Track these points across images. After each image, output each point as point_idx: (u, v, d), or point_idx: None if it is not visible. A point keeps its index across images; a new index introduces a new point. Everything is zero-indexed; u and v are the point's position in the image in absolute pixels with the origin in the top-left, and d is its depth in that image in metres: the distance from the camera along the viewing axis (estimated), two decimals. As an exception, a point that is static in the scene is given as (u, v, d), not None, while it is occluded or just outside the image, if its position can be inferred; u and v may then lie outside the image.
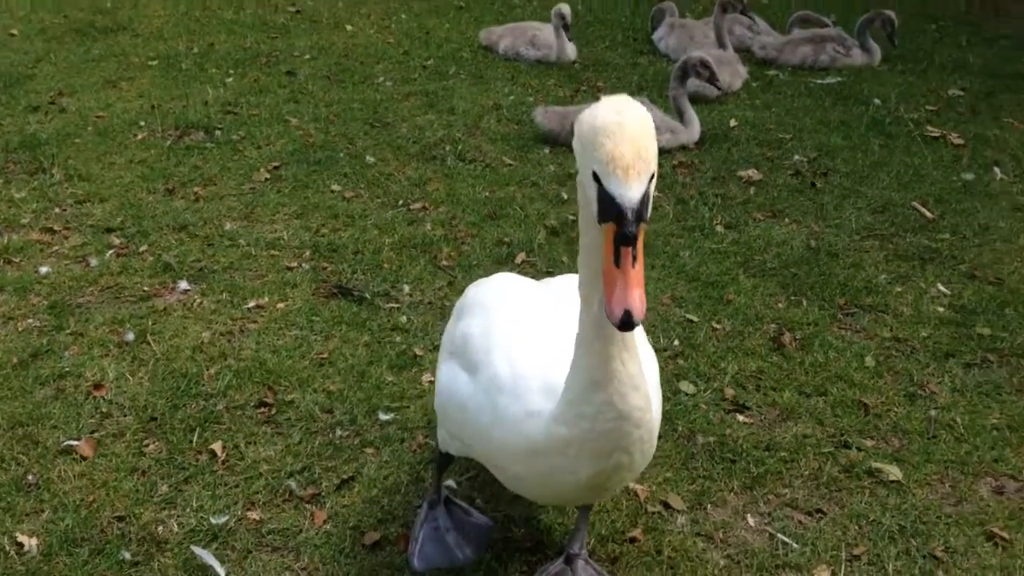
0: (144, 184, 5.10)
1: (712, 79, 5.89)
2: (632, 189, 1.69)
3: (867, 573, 2.69)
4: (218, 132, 5.87)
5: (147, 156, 5.48)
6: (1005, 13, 9.99)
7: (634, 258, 1.70)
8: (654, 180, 1.75)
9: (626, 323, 1.70)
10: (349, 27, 8.75)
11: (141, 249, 4.41)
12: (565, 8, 7.29)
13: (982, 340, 3.82)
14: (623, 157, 1.69)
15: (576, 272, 2.13)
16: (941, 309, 4.05)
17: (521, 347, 2.25)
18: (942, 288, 4.21)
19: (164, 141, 5.72)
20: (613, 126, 1.70)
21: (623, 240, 1.69)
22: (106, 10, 9.13)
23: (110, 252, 4.37)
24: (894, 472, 3.08)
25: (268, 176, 5.25)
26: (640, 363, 2.03)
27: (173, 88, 6.72)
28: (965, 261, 4.45)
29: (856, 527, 2.85)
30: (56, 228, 4.58)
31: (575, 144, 1.84)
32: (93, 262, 4.27)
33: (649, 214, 1.73)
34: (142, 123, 5.97)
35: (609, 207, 1.71)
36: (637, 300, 1.69)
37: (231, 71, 7.17)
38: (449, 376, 2.43)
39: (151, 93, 6.58)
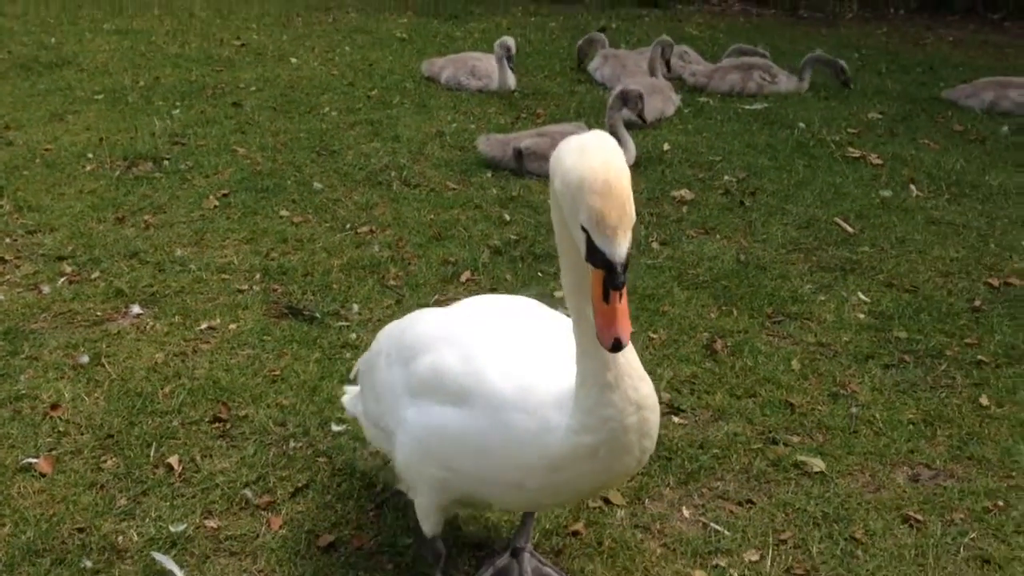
0: (94, 214, 5.18)
1: (640, 114, 6.14)
2: (621, 247, 1.82)
3: (793, 556, 2.88)
4: (166, 162, 5.97)
5: (96, 187, 5.56)
6: (921, 43, 10.53)
7: (620, 296, 1.86)
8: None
9: (616, 347, 1.89)
10: (294, 60, 8.91)
11: (93, 276, 4.49)
12: (510, 40, 7.56)
13: (899, 343, 4.08)
14: (611, 217, 1.80)
15: (501, 292, 2.26)
16: (861, 315, 4.31)
17: (515, 363, 2.27)
18: (862, 296, 4.48)
19: (113, 172, 5.80)
20: (601, 185, 1.80)
21: (613, 287, 1.84)
22: (50, 45, 9.17)
23: (62, 279, 4.44)
24: (818, 464, 3.28)
25: (217, 203, 5.37)
26: (637, 357, 2.14)
27: (120, 121, 6.80)
28: (883, 271, 4.73)
29: (783, 515, 3.05)
30: (7, 257, 4.64)
31: (555, 181, 1.93)
32: (45, 289, 4.34)
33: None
34: (90, 155, 6.05)
35: (598, 258, 1.84)
36: (625, 330, 1.87)
37: (178, 103, 7.28)
38: (426, 416, 2.37)
39: (98, 126, 6.66)
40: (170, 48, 9.24)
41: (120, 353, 3.86)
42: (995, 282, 4.61)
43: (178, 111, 7.08)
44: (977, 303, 4.39)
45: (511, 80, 7.76)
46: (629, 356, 2.09)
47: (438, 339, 2.44)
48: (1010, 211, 5.49)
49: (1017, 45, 10.48)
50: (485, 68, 7.76)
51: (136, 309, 4.20)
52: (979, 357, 3.95)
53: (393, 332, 2.70)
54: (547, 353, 2.26)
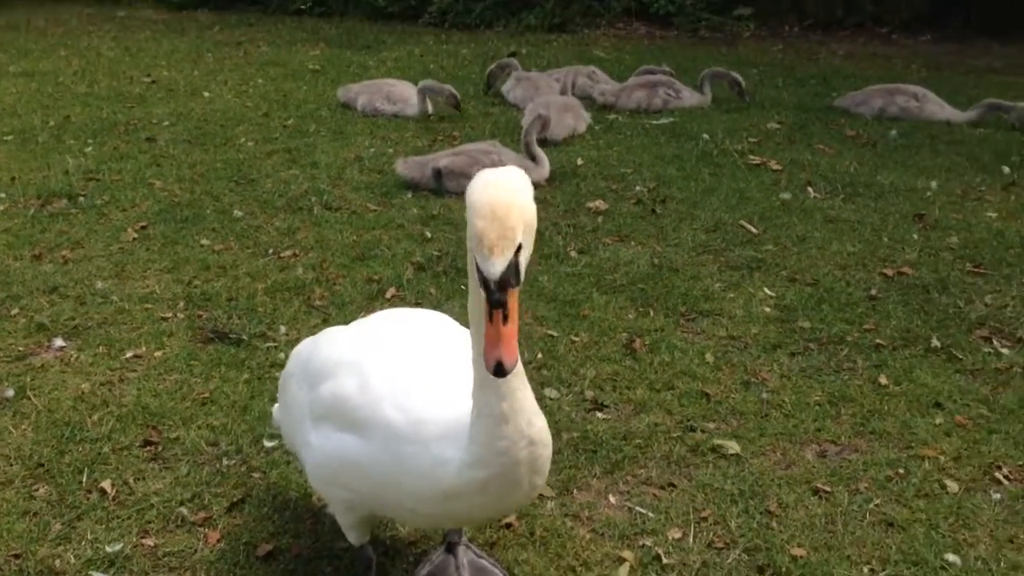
0: (10, 252, 5.13)
1: (543, 141, 6.32)
2: (495, 265, 1.88)
3: (713, 531, 3.04)
4: (82, 198, 5.93)
5: (11, 225, 5.50)
6: (815, 57, 11.05)
7: (505, 317, 1.90)
8: (525, 249, 1.93)
9: (498, 372, 1.93)
10: (207, 94, 8.92)
11: (13, 312, 4.45)
12: (429, 82, 7.85)
13: (803, 332, 4.32)
14: (487, 236, 1.88)
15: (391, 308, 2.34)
16: (768, 309, 4.55)
17: (408, 393, 2.31)
18: (768, 291, 4.73)
19: (27, 210, 5.74)
20: (482, 206, 1.89)
21: (492, 304, 1.92)
22: (-46, 89, 9.00)
23: (-21, 318, 4.41)
24: (733, 447, 3.47)
25: (136, 236, 5.37)
26: (532, 393, 2.18)
27: (32, 160, 6.72)
28: (786, 268, 5.00)
29: (703, 495, 3.22)
30: (-78, 298, 4.58)
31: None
32: (-36, 328, 4.30)
33: (522, 280, 1.93)
34: (3, 194, 5.98)
35: (479, 277, 1.93)
36: (506, 354, 1.91)
37: (90, 141, 7.22)
38: (327, 441, 2.44)
39: (9, 166, 6.57)
40: (79, 87, 9.15)
41: (45, 385, 3.85)
42: (889, 272, 4.91)
43: (91, 148, 7.04)
44: (873, 292, 4.68)
45: (428, 106, 7.94)
46: (524, 391, 2.14)
47: (340, 365, 2.49)
48: (900, 207, 5.84)
49: (903, 56, 11.09)
50: (400, 93, 7.91)
51: (59, 342, 4.19)
52: (877, 341, 4.21)
53: (302, 353, 2.76)
54: (446, 380, 2.29)
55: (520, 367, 2.10)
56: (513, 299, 1.92)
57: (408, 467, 2.25)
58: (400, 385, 2.34)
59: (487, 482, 2.18)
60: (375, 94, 7.99)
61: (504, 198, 1.90)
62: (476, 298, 2.06)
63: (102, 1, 15.29)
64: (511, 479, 2.18)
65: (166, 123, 7.78)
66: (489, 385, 2.10)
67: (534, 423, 2.16)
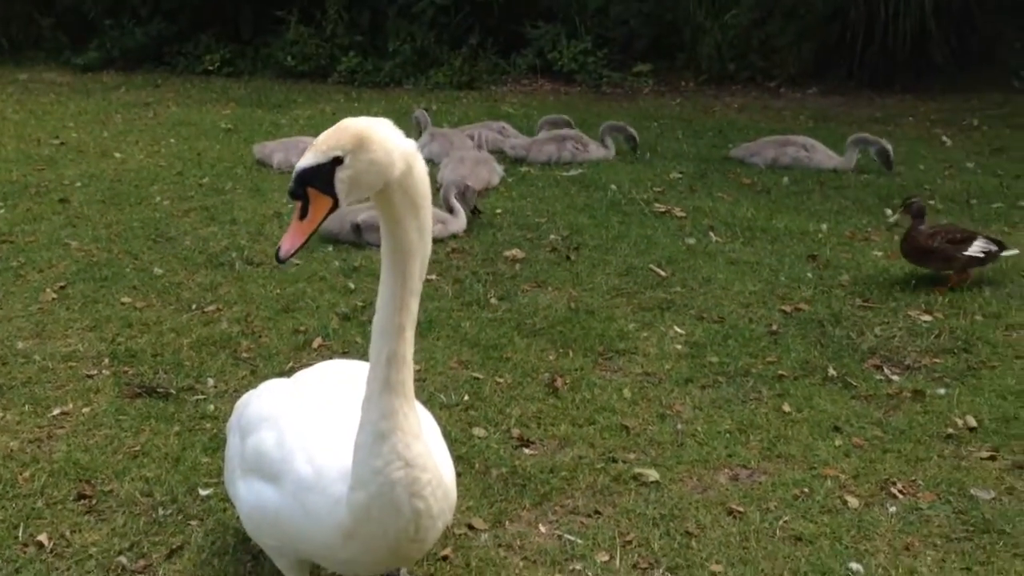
0: (-77, 314, 5.06)
1: (474, 210, 6.54)
2: (303, 158, 2.06)
3: (638, 552, 3.24)
4: (-4, 261, 5.88)
5: (-77, 288, 5.41)
6: (710, 111, 11.64)
7: (302, 214, 2.06)
8: (343, 165, 2.04)
9: (277, 256, 2.09)
10: (118, 154, 8.86)
11: (-70, 374, 4.41)
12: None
13: (712, 366, 4.60)
14: (316, 140, 2.08)
15: (353, 355, 2.47)
16: (679, 346, 4.82)
17: (316, 445, 2.45)
18: (678, 329, 5.01)
19: (-61, 274, 5.66)
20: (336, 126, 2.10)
21: (289, 193, 2.09)
22: None
23: None
24: (653, 475, 3.68)
25: (55, 296, 5.34)
26: (419, 419, 2.32)
27: (-60, 223, 6.61)
28: (694, 307, 5.29)
29: (627, 520, 3.41)
30: None
31: None
32: None
33: (340, 200, 2.07)
34: (-88, 258, 5.87)
35: None
36: (286, 241, 2.07)
37: (0, 204, 7.13)
38: (251, 492, 2.57)
39: (-84, 229, 6.45)
40: (-16, 149, 9.01)
41: (-29, 445, 3.83)
42: (787, 309, 5.25)
43: (2, 211, 6.94)
44: (774, 327, 5.00)
45: None
46: (407, 415, 2.26)
47: (263, 420, 2.65)
48: (795, 249, 6.24)
49: (792, 108, 11.77)
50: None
51: (-18, 402, 4.17)
52: (779, 372, 4.52)
53: (239, 405, 2.93)
54: (352, 428, 2.34)
55: (410, 394, 2.28)
56: (317, 207, 2.06)
57: (312, 513, 2.37)
58: (311, 439, 2.48)
59: (369, 506, 2.26)
60: (291, 150, 8.11)
61: (349, 123, 2.08)
62: (380, 299, 2.24)
63: (3, 64, 14.98)
64: (390, 501, 2.25)
65: (78, 184, 7.73)
66: (374, 402, 2.25)
67: (411, 446, 2.26)
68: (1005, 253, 5.46)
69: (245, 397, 2.96)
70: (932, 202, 7.29)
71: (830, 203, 7.28)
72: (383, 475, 2.24)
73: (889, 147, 8.08)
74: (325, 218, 2.09)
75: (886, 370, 4.54)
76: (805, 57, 12.97)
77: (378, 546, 2.36)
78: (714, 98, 12.50)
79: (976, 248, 5.36)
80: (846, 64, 12.57)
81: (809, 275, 5.73)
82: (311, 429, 2.52)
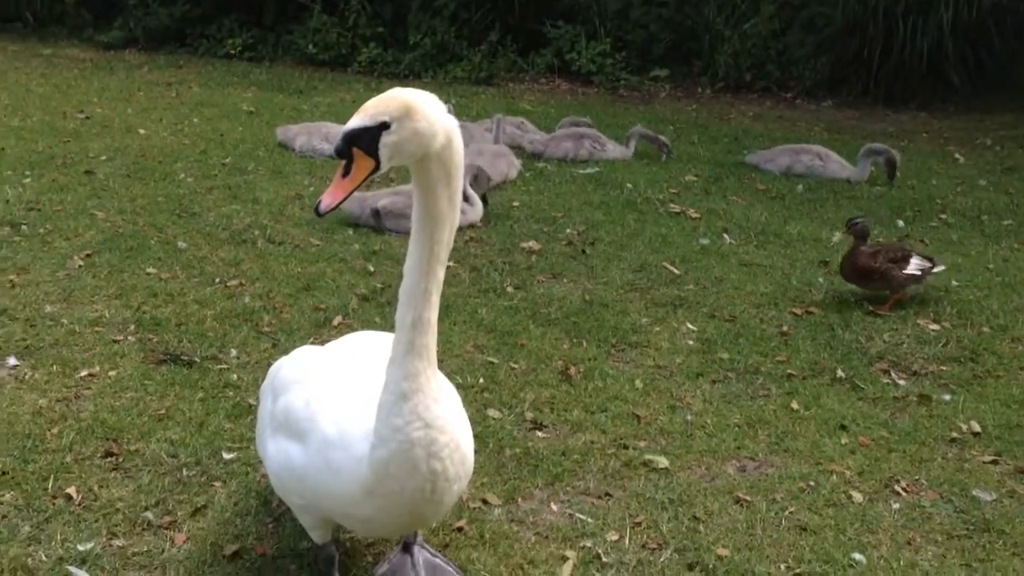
0: (-46, 275, 5.17)
1: (484, 196, 6.61)
2: (354, 121, 2.16)
3: (647, 534, 3.33)
4: (24, 227, 5.97)
5: (-47, 250, 5.53)
6: (726, 117, 11.74)
7: (345, 172, 2.17)
8: (389, 131, 2.14)
9: (316, 208, 2.20)
10: (142, 131, 8.99)
11: (-38, 333, 4.52)
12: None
13: (723, 363, 4.70)
14: (365, 105, 2.18)
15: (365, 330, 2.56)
16: (691, 342, 4.92)
17: (342, 406, 2.55)
18: (690, 326, 5.11)
19: (-31, 236, 5.78)
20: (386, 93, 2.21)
21: (335, 151, 2.20)
22: None
23: (-72, 336, 4.45)
24: (662, 462, 3.78)
25: (82, 263, 5.45)
26: (440, 383, 2.43)
27: (-32, 190, 6.73)
28: (706, 305, 5.39)
29: (636, 503, 3.51)
30: None
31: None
32: (-87, 347, 4.34)
33: (381, 163, 2.16)
34: (-57, 220, 6.00)
35: None
36: (327, 196, 2.18)
37: (27, 173, 7.24)
38: (279, 450, 2.67)
39: (-54, 194, 6.57)
40: (11, 121, 9.10)
41: (2, 401, 3.93)
42: (798, 311, 5.35)
43: (29, 180, 7.06)
44: (785, 328, 5.10)
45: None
46: (428, 379, 2.36)
47: (294, 382, 2.76)
48: (807, 254, 6.34)
49: (807, 119, 11.86)
50: (338, 134, 8.14)
51: (12, 360, 4.27)
52: (788, 371, 4.62)
53: (273, 369, 3.04)
54: (376, 392, 2.43)
55: (433, 359, 2.39)
56: (360, 167, 2.16)
57: (335, 470, 2.47)
58: (338, 400, 2.58)
59: (388, 462, 2.35)
60: (314, 135, 8.22)
61: (399, 92, 2.20)
62: (408, 264, 2.34)
63: (27, 38, 15.12)
64: (409, 459, 2.35)
65: (103, 158, 7.84)
66: (397, 363, 2.36)
67: (431, 408, 2.35)
68: (936, 270, 5.44)
69: (278, 362, 3.06)
70: (944, 216, 7.40)
71: (843, 211, 7.37)
72: (403, 433, 2.34)
73: (897, 156, 8.19)
74: (366, 179, 2.20)
75: (893, 374, 4.64)
76: (821, 70, 13.08)
77: (396, 504, 2.44)
78: (730, 105, 12.60)
79: (913, 266, 5.33)
80: (862, 79, 12.68)
81: (820, 280, 5.83)
82: (338, 391, 2.62)
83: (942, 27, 11.93)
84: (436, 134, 2.19)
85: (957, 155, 9.86)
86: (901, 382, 4.56)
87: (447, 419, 2.41)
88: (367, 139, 2.15)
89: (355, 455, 2.44)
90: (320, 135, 8.17)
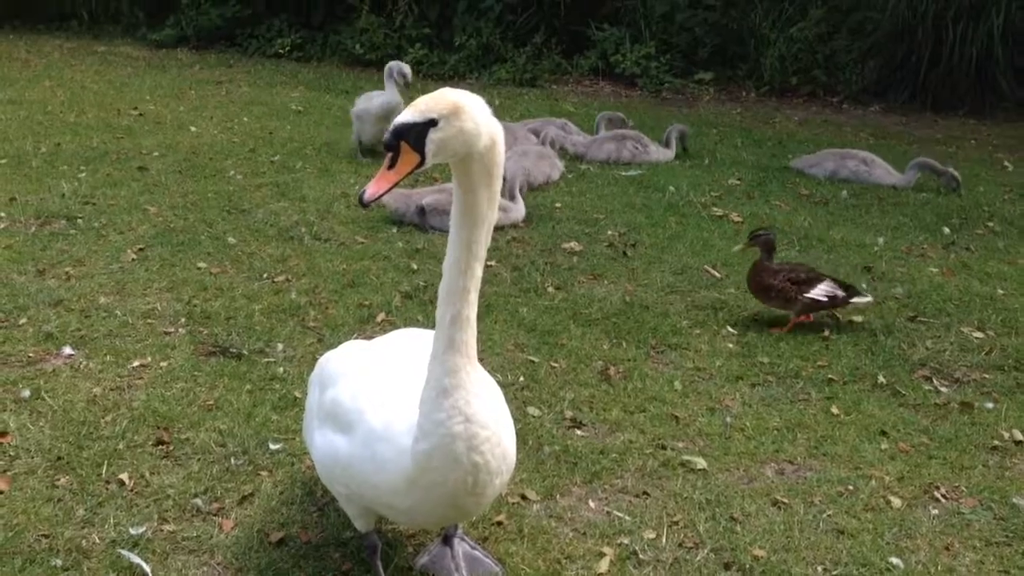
0: (13, 266, 5.35)
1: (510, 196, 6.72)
2: (404, 116, 2.22)
3: (683, 533, 3.37)
4: (80, 220, 6.16)
5: (12, 242, 5.71)
6: (771, 121, 11.68)
7: (391, 164, 2.23)
8: (436, 128, 2.21)
9: (360, 199, 2.27)
10: (193, 128, 9.19)
11: (21, 322, 4.67)
12: (406, 68, 8.30)
13: (763, 366, 4.71)
14: (416, 102, 2.26)
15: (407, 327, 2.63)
16: (731, 345, 4.93)
17: (388, 400, 2.61)
18: (731, 329, 5.12)
19: (27, 229, 5.97)
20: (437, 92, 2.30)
21: (384, 144, 2.26)
22: (-57, 114, 9.19)
23: (-11, 325, 4.62)
24: (700, 463, 3.81)
25: (135, 257, 5.61)
26: (482, 379, 2.50)
27: (27, 183, 6.94)
28: (747, 309, 5.39)
29: (674, 502, 3.55)
30: (-69, 305, 4.78)
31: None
32: (-26, 334, 4.51)
33: (426, 158, 2.23)
34: (2, 214, 6.20)
35: None
36: (371, 186, 2.24)
37: (82, 168, 7.45)
38: (326, 441, 2.74)
39: (6, 188, 6.78)
40: (67, 117, 9.37)
41: (58, 388, 4.07)
42: (840, 317, 5.33)
43: (84, 174, 7.27)
44: (826, 333, 5.09)
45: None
46: (472, 374, 2.42)
47: (341, 375, 2.83)
48: (850, 259, 6.31)
49: (853, 124, 11.75)
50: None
51: (68, 350, 4.42)
52: (829, 376, 4.61)
53: (321, 362, 3.13)
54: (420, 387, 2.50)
55: (473, 354, 2.45)
56: (406, 160, 2.23)
57: (380, 461, 2.54)
58: (383, 395, 2.64)
59: (431, 456, 2.41)
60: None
61: (448, 92, 2.28)
62: (448, 262, 2.41)
63: (81, 36, 15.52)
64: (450, 453, 2.40)
65: (156, 154, 8.04)
66: (439, 359, 2.42)
67: (472, 403, 2.41)
68: (856, 300, 5.12)
69: (326, 355, 3.14)
70: (991, 224, 7.31)
71: (888, 218, 7.32)
72: (445, 427, 2.40)
73: (958, 176, 8.09)
74: (410, 173, 2.27)
75: (935, 381, 4.61)
76: (869, 75, 12.95)
77: (438, 496, 2.50)
78: (775, 110, 12.53)
79: (819, 291, 5.07)
80: (910, 84, 12.53)
81: (863, 286, 5.79)
82: (384, 385, 2.69)
83: (992, 33, 11.76)
84: (481, 135, 2.26)
85: (1006, 163, 9.72)
86: (943, 389, 4.54)
87: (488, 414, 2.46)
88: (415, 134, 2.22)
89: (399, 448, 2.50)
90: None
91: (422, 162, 2.25)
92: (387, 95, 8.20)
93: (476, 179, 2.32)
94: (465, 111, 2.24)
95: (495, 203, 2.40)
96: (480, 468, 2.46)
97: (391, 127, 2.25)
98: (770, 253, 5.23)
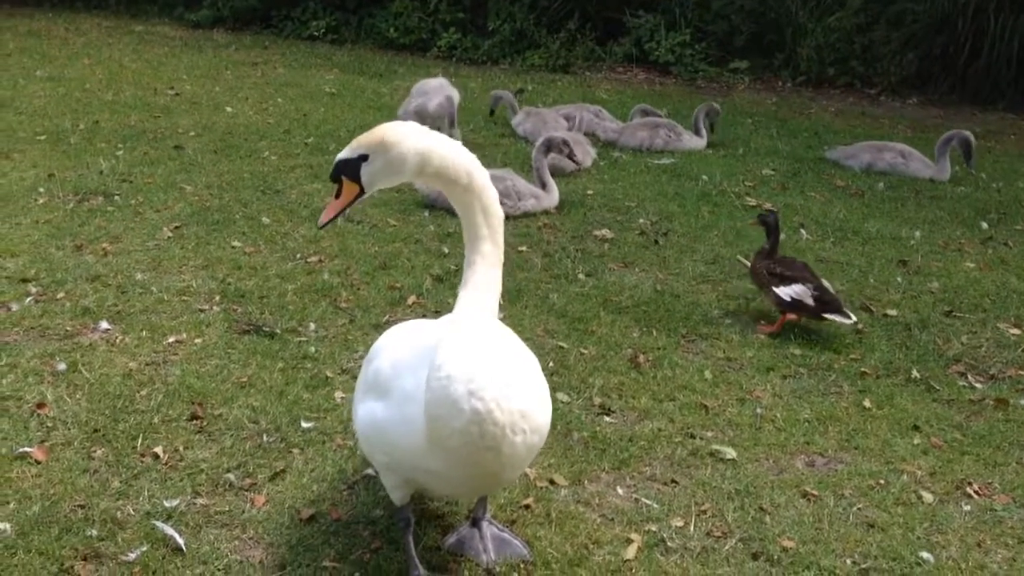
0: (52, 241, 5.43)
1: (571, 155, 6.76)
2: (342, 153, 2.55)
3: (712, 522, 3.36)
4: (117, 197, 6.24)
5: (52, 217, 5.80)
6: (806, 112, 11.55)
7: (337, 195, 2.59)
8: (367, 162, 2.51)
9: (318, 222, 2.69)
10: (229, 109, 9.26)
11: (59, 296, 4.74)
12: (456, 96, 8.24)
13: (795, 358, 4.68)
14: (354, 139, 2.55)
15: (445, 315, 2.72)
16: (762, 336, 4.89)
17: (421, 365, 2.63)
18: (762, 320, 5.09)
19: (66, 205, 6.06)
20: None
21: (330, 178, 2.60)
22: (-16, 89, 9.33)
23: (29, 299, 4.68)
24: (730, 453, 3.80)
25: (171, 234, 5.68)
26: (494, 333, 2.59)
27: (65, 160, 7.04)
28: (780, 299, 5.37)
29: (702, 491, 3.54)
30: (-28, 279, 4.86)
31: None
32: (14, 307, 4.58)
33: (364, 187, 2.55)
34: (41, 189, 6.29)
35: None
36: (323, 216, 2.63)
37: (120, 145, 7.54)
38: (366, 410, 2.82)
39: (45, 163, 6.88)
40: (105, 95, 9.48)
41: (95, 362, 4.13)
42: (874, 310, 5.28)
43: (122, 152, 7.36)
44: (860, 326, 5.03)
45: (456, 135, 8.32)
46: (475, 330, 2.55)
47: (385, 348, 2.93)
48: (886, 253, 6.24)
49: (890, 116, 11.60)
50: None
51: (104, 325, 4.48)
52: (862, 370, 4.57)
53: (373, 347, 3.12)
54: None
55: (478, 313, 2.59)
56: (347, 191, 2.57)
57: (408, 421, 2.61)
58: (419, 361, 2.67)
59: (434, 402, 2.48)
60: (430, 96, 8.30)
61: (379, 128, 2.55)
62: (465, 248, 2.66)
63: (119, 15, 15.67)
64: (448, 396, 2.45)
65: (192, 133, 8.12)
66: (449, 321, 2.62)
67: (473, 351, 2.51)
68: (831, 317, 4.82)
69: (378, 338, 3.18)
70: (1030, 219, 7.20)
71: (925, 212, 7.23)
72: (442, 371, 2.48)
73: (971, 137, 7.98)
74: (354, 201, 2.60)
75: (970, 377, 4.56)
76: (907, 66, 12.76)
77: (453, 450, 2.51)
78: (811, 100, 12.39)
79: (788, 291, 4.87)
80: (949, 77, 12.34)
81: (898, 279, 5.74)
82: (422, 354, 2.72)
83: (1035, 25, 11.54)
84: (406, 162, 2.53)
85: (1047, 157, 9.56)
86: (978, 385, 4.49)
87: (489, 361, 2.50)
88: (351, 168, 2.55)
89: (422, 406, 2.57)
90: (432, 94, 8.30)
91: (362, 191, 2.57)
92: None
93: (441, 184, 2.62)
94: (391, 144, 2.51)
95: (474, 193, 2.61)
96: (484, 417, 2.45)
97: (333, 163, 2.58)
98: (771, 235, 5.15)
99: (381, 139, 2.51)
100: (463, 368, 2.47)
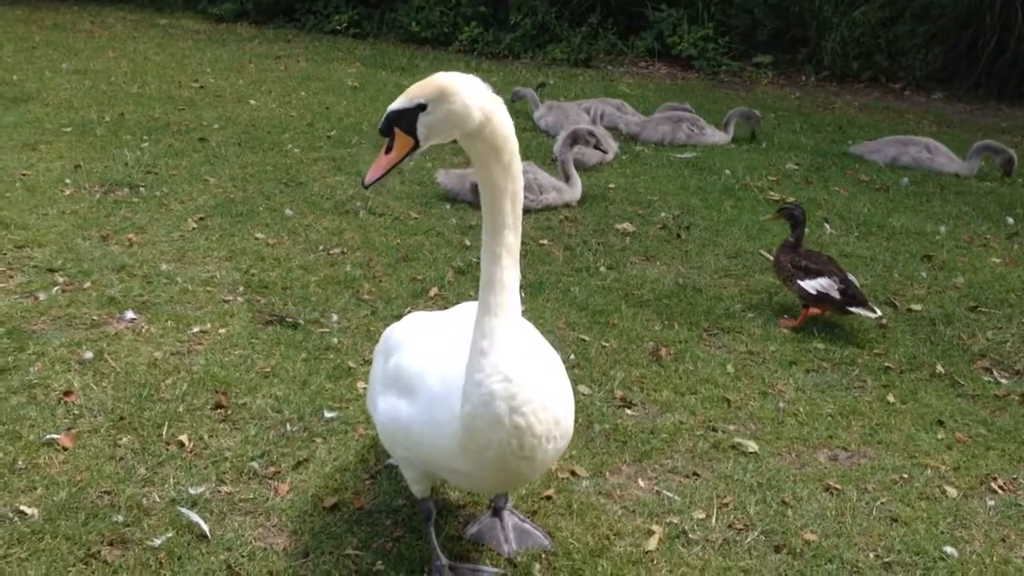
0: (79, 232, 5.48)
1: (598, 145, 6.74)
2: (395, 103, 2.32)
3: (734, 515, 3.36)
4: (142, 189, 6.30)
5: (78, 208, 5.86)
6: (830, 107, 11.47)
7: (388, 149, 2.36)
8: (426, 112, 2.29)
9: (363, 181, 2.40)
10: (252, 102, 9.31)
11: (85, 285, 4.80)
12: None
13: (818, 352, 4.66)
14: (408, 88, 2.34)
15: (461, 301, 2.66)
16: (785, 330, 4.87)
17: (448, 365, 2.62)
18: (785, 314, 5.06)
19: (92, 196, 6.12)
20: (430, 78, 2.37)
21: (379, 129, 2.36)
22: (12, 82, 9.41)
23: (56, 288, 4.73)
24: (752, 446, 3.79)
25: (195, 226, 5.72)
26: (525, 340, 2.51)
27: (91, 151, 7.11)
28: (803, 294, 5.34)
29: (724, 484, 3.53)
30: (0, 268, 4.92)
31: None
32: (41, 296, 4.63)
33: (420, 141, 2.33)
34: (68, 180, 6.35)
35: None
36: (371, 173, 2.37)
37: (145, 138, 7.61)
38: (388, 405, 2.78)
39: (71, 155, 6.96)
40: (130, 88, 9.56)
41: (121, 351, 4.18)
42: (898, 305, 5.25)
43: (147, 144, 7.42)
44: (884, 321, 5.00)
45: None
46: (510, 336, 2.45)
47: (405, 342, 2.89)
48: (910, 248, 6.19)
49: (915, 111, 11.50)
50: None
51: (130, 314, 4.52)
52: (886, 364, 4.54)
53: (386, 333, 3.15)
54: None
55: (510, 316, 2.47)
56: (400, 145, 2.34)
57: (438, 424, 2.57)
58: (444, 360, 2.67)
59: (474, 416, 2.42)
60: None
61: (437, 76, 2.35)
62: (483, 244, 2.50)
63: (144, 8, 15.80)
64: (491, 413, 2.41)
65: (216, 126, 8.17)
66: (477, 324, 2.48)
67: (511, 363, 2.44)
68: (856, 310, 4.79)
69: (392, 326, 3.18)
70: (1056, 215, 7.12)
71: (950, 207, 7.16)
72: (484, 387, 2.42)
73: (1015, 156, 7.88)
74: (406, 156, 2.37)
75: (995, 373, 4.52)
76: (933, 61, 12.65)
77: (489, 459, 2.50)
78: (835, 95, 12.30)
79: (814, 284, 4.84)
80: (975, 72, 12.22)
81: (923, 275, 5.70)
82: (445, 351, 2.71)
83: (1064, 20, 11.41)
84: (471, 115, 2.32)
85: (1074, 153, 9.43)
86: (1003, 380, 4.45)
87: (529, 375, 2.46)
88: (406, 119, 2.33)
89: (453, 412, 2.53)
90: None
91: (417, 145, 2.35)
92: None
93: (484, 154, 2.40)
94: (452, 93, 2.30)
95: (510, 175, 2.44)
96: (524, 431, 2.45)
97: (385, 114, 2.35)
98: (796, 228, 5.12)
99: (442, 87, 2.29)
100: (505, 385, 2.42)
